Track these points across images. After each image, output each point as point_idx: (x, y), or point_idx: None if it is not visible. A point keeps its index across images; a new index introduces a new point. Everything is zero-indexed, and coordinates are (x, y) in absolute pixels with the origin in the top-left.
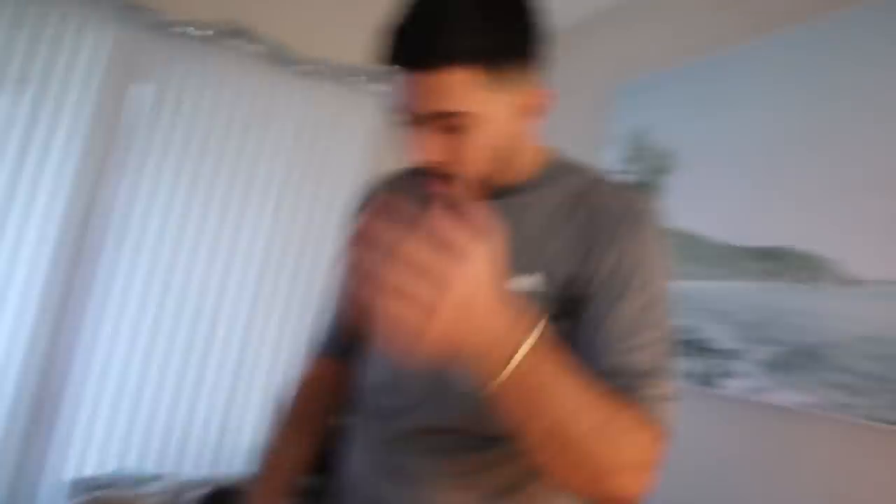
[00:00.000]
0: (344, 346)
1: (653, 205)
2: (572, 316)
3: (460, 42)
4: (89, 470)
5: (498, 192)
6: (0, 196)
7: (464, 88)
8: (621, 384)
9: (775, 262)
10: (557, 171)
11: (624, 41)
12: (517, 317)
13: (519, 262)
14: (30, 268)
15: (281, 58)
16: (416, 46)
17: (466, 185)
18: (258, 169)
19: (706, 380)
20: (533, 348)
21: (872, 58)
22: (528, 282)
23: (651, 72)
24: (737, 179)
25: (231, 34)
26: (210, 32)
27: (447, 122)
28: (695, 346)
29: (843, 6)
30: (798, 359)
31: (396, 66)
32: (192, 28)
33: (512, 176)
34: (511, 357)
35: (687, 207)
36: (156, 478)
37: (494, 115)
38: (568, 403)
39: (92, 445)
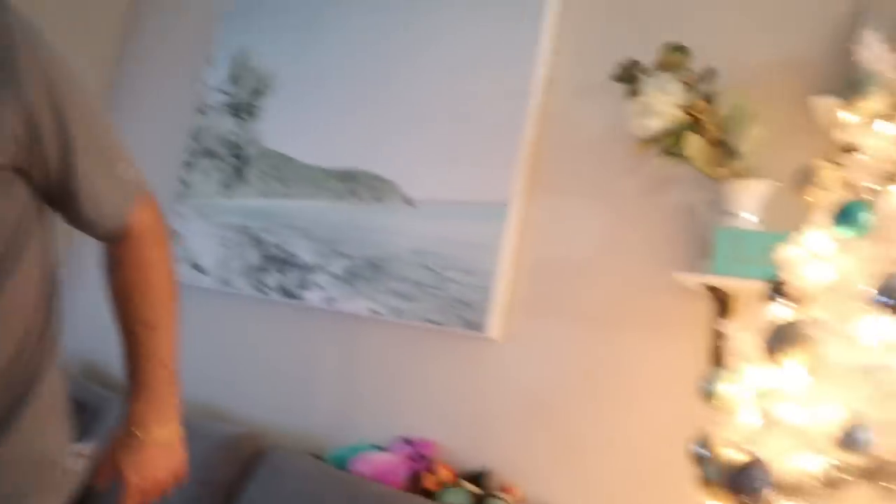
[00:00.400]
0: None
1: (20, 13)
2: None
3: None
4: None
5: None
6: None
7: None
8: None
9: (352, 183)
10: None
11: None
12: None
13: None
14: None
15: None
16: None
17: None
18: None
19: (289, 292)
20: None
21: (471, 6)
22: None
23: None
24: (323, 105)
25: None
26: None
27: None
28: (280, 261)
29: None
30: (365, 270)
31: None
32: None
33: None
34: None
35: (280, 130)
36: None
37: None
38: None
39: None
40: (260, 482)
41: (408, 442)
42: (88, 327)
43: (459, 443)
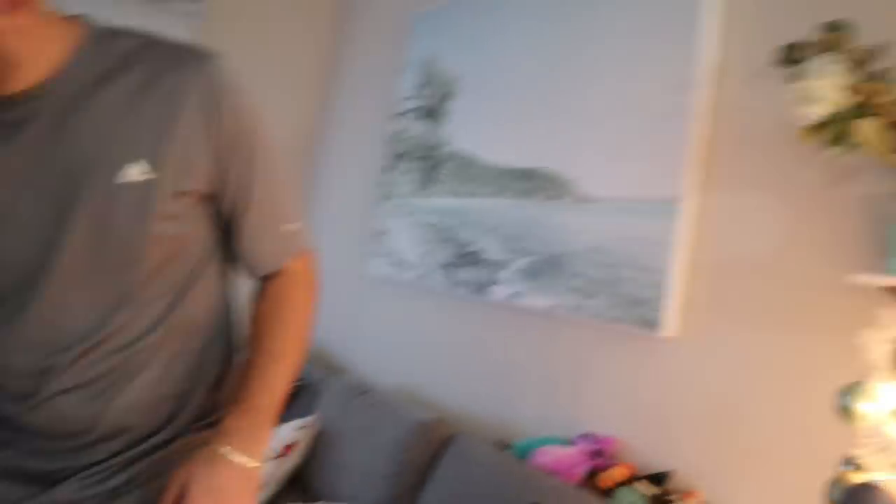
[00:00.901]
0: None
1: (216, 61)
2: (193, 197)
3: None
4: None
5: (24, 94)
6: None
7: None
8: (264, 261)
9: (531, 181)
10: (101, 47)
11: None
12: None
13: (106, 153)
14: None
15: None
16: None
17: None
18: None
19: (478, 287)
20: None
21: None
22: (129, 173)
23: (442, 1)
24: (503, 106)
25: None
26: None
27: None
28: (470, 258)
29: None
30: (546, 267)
31: None
32: None
33: (31, 72)
34: None
35: (466, 131)
36: None
37: None
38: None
39: None
40: (447, 466)
41: (589, 438)
42: (398, 356)
43: (641, 442)
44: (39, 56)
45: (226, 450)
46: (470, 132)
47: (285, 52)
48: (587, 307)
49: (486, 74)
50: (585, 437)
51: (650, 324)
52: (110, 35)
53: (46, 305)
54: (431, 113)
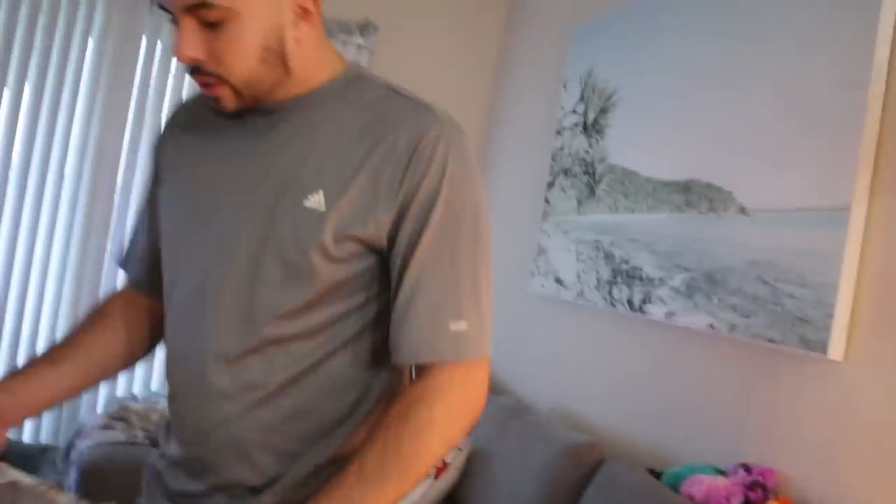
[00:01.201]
0: (151, 280)
1: (452, 125)
2: (362, 245)
3: None
4: None
5: (286, 101)
6: None
7: None
8: (417, 350)
9: (689, 194)
10: (351, 83)
11: None
12: None
13: (310, 176)
14: None
15: None
16: None
17: (234, 90)
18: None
19: (635, 305)
20: None
21: (770, 2)
22: (313, 200)
23: (600, 16)
24: (660, 117)
25: None
26: None
27: (201, 16)
28: (627, 275)
29: None
30: (703, 284)
31: None
32: None
33: (300, 84)
34: None
35: (624, 144)
36: None
37: (253, 11)
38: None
39: None
40: (596, 490)
41: (746, 468)
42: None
43: (804, 475)
44: (306, 77)
45: None
46: (628, 145)
47: (451, 77)
48: (745, 326)
49: (643, 85)
50: (742, 466)
51: (815, 345)
52: (362, 78)
53: (203, 317)
54: (591, 127)
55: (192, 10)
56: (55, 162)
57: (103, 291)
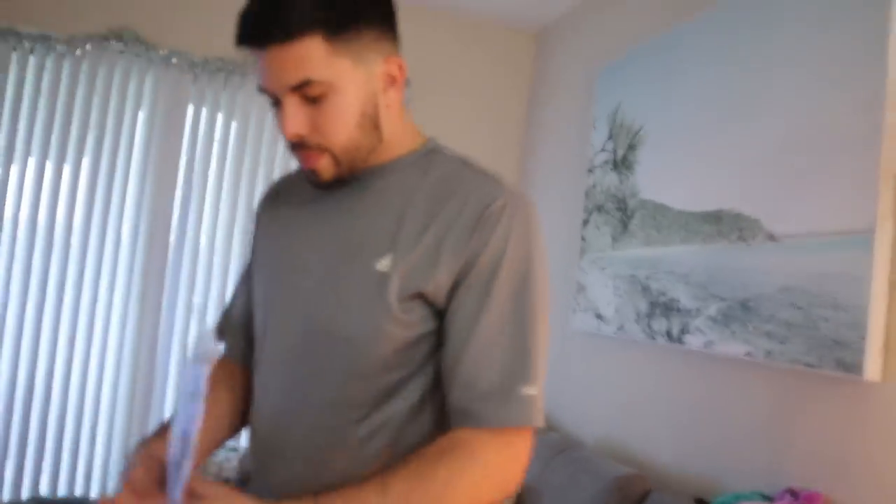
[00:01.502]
0: (244, 349)
1: (518, 196)
2: (426, 304)
3: (297, 13)
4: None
5: (368, 169)
6: None
7: (316, 54)
8: (469, 406)
9: (718, 224)
10: (427, 156)
11: (601, 28)
12: None
13: (381, 239)
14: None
15: None
16: (259, 25)
17: (335, 159)
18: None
19: (673, 336)
20: None
21: (783, 32)
22: (383, 263)
23: (622, 54)
24: (686, 151)
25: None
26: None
27: (304, 93)
28: (664, 307)
29: None
30: (738, 312)
31: (250, 49)
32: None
33: (385, 153)
34: None
35: (654, 179)
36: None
37: (350, 82)
38: None
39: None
40: None
41: (793, 494)
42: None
43: (850, 498)
44: (393, 143)
45: None
46: (657, 180)
47: (484, 123)
48: (781, 352)
49: (668, 120)
50: (788, 492)
51: (851, 367)
52: (438, 151)
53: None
54: (620, 164)
55: (296, 88)
56: (112, 231)
57: (160, 352)
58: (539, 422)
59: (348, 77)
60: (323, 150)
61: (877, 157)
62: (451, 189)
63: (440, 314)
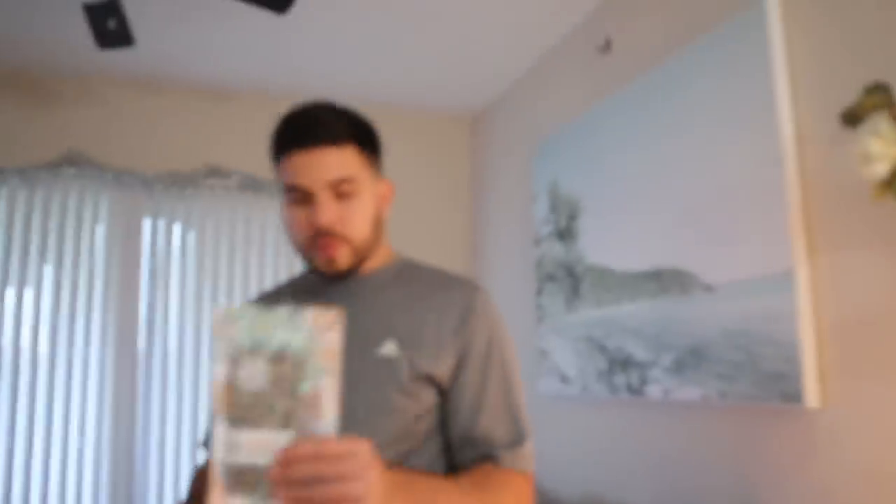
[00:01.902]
0: None
1: (484, 290)
2: (432, 384)
3: (341, 126)
4: None
5: (361, 276)
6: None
7: (351, 159)
8: (493, 453)
9: (658, 280)
10: (403, 265)
11: (532, 110)
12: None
13: (381, 331)
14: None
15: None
16: (311, 130)
17: (353, 249)
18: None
19: (634, 389)
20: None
21: (703, 92)
22: (385, 348)
23: (555, 131)
24: (622, 215)
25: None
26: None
27: (338, 190)
28: (622, 362)
29: (673, 51)
30: (689, 359)
31: (294, 149)
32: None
33: (373, 261)
34: None
35: (597, 245)
36: None
37: (369, 189)
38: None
39: None
40: None
41: None
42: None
43: None
44: (374, 259)
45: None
46: (600, 245)
47: (432, 205)
48: (732, 391)
49: (602, 189)
50: None
51: (793, 397)
52: (410, 263)
53: None
54: (565, 233)
55: (333, 184)
56: (79, 350)
57: (138, 452)
58: (533, 466)
59: (369, 184)
60: (344, 240)
61: (785, 207)
62: (436, 288)
63: (441, 392)
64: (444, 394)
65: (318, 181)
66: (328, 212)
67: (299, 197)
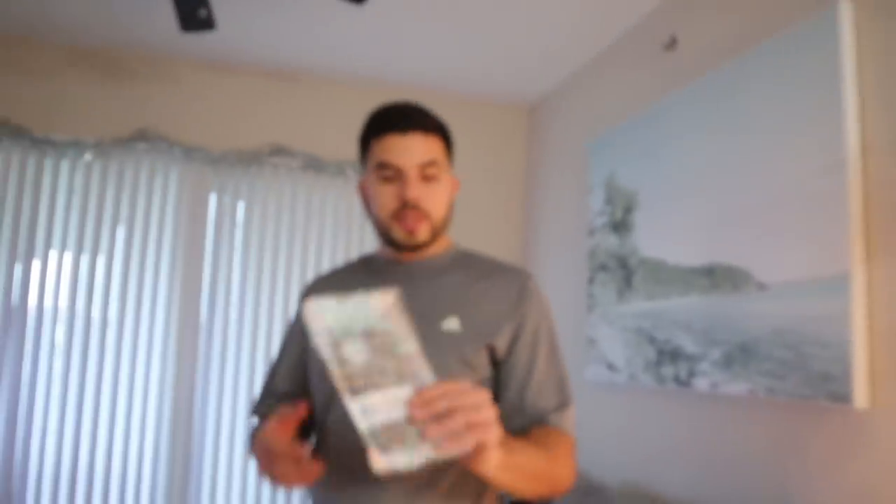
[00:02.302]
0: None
1: (533, 276)
2: (490, 356)
3: (431, 119)
4: None
5: (422, 260)
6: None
7: (437, 147)
8: (542, 418)
9: (711, 277)
10: (460, 253)
11: (591, 100)
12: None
13: (442, 308)
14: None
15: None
16: (408, 117)
17: (432, 226)
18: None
19: (682, 381)
20: (508, 451)
21: (769, 94)
22: (449, 323)
23: (613, 124)
24: (679, 210)
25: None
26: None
27: (425, 172)
28: (671, 354)
29: (740, 51)
30: (739, 355)
31: (391, 132)
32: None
33: (433, 248)
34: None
35: (651, 238)
36: None
37: (447, 177)
38: (533, 462)
39: None
40: None
41: None
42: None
43: None
44: (435, 246)
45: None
46: (654, 239)
47: (487, 193)
48: (780, 388)
49: (659, 184)
50: None
51: (842, 397)
52: (466, 251)
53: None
54: (619, 226)
55: (421, 166)
56: (146, 316)
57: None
58: (574, 434)
59: (446, 173)
60: (426, 216)
61: (845, 212)
62: (491, 274)
63: (496, 364)
64: (498, 366)
65: (410, 161)
66: (417, 188)
67: (390, 174)
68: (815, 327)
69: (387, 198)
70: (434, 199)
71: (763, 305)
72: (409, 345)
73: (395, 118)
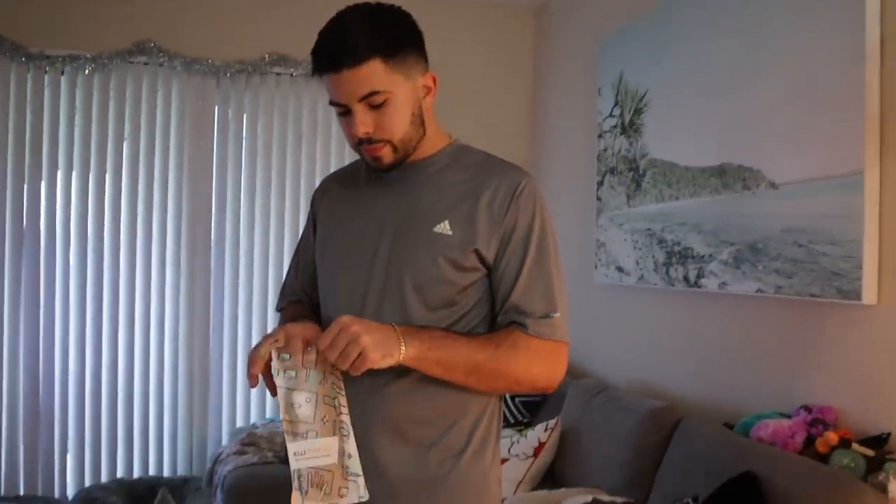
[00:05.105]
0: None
1: (532, 179)
2: (480, 259)
3: (361, 46)
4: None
5: (418, 161)
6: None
7: (376, 73)
8: (521, 323)
9: (722, 177)
10: (458, 150)
11: (602, 1)
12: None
13: (436, 211)
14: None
15: None
16: (333, 56)
17: (394, 147)
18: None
19: (691, 281)
20: (410, 344)
21: None
22: (440, 227)
23: (622, 24)
24: (689, 111)
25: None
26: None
27: (369, 102)
28: (680, 255)
29: None
30: (748, 254)
31: (325, 72)
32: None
33: (426, 148)
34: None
35: (661, 140)
36: None
37: (402, 91)
38: (464, 356)
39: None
40: (676, 446)
41: (807, 409)
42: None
43: (858, 408)
44: (429, 144)
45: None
46: (664, 140)
47: (494, 98)
48: (789, 286)
49: (669, 84)
50: (803, 408)
51: (850, 294)
52: (466, 147)
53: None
54: (628, 128)
55: (364, 98)
56: (157, 230)
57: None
58: (566, 337)
59: (401, 87)
60: (385, 142)
61: (861, 108)
62: (486, 174)
63: (485, 266)
64: (490, 269)
65: (350, 98)
66: (363, 123)
67: (342, 110)
68: (826, 225)
69: (347, 131)
70: (388, 123)
71: (774, 204)
72: (342, 397)
73: (324, 60)
